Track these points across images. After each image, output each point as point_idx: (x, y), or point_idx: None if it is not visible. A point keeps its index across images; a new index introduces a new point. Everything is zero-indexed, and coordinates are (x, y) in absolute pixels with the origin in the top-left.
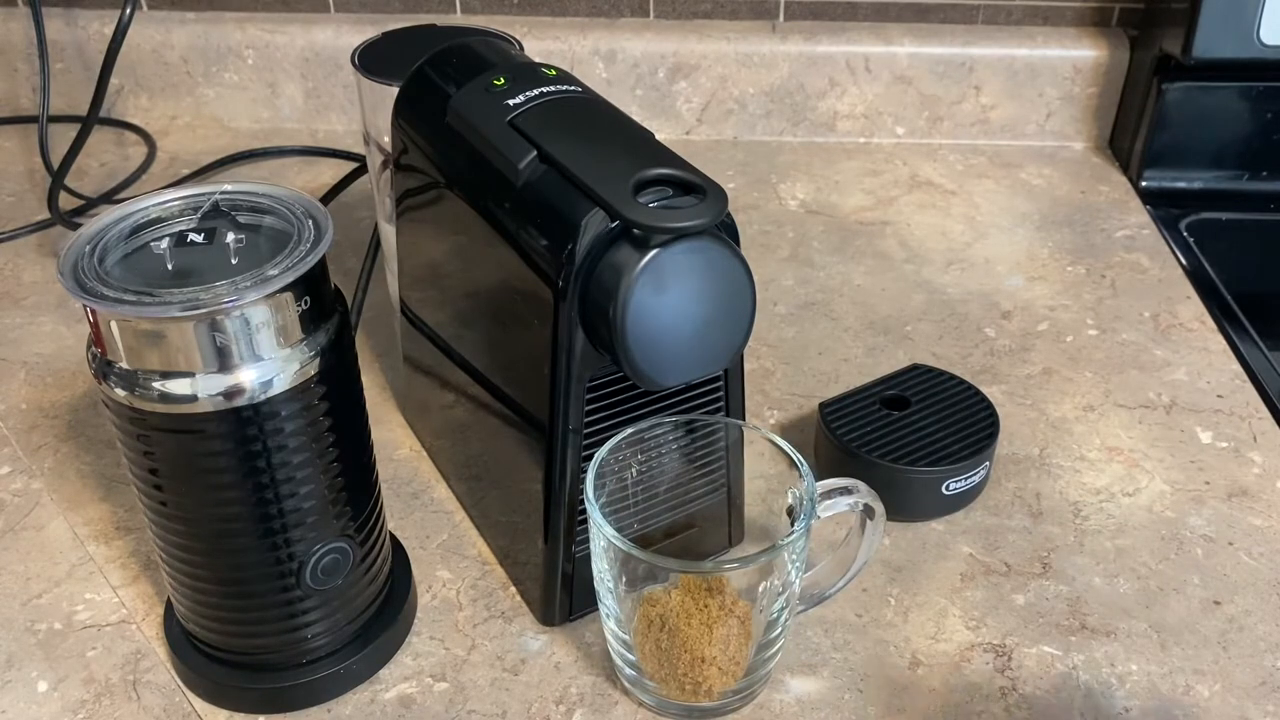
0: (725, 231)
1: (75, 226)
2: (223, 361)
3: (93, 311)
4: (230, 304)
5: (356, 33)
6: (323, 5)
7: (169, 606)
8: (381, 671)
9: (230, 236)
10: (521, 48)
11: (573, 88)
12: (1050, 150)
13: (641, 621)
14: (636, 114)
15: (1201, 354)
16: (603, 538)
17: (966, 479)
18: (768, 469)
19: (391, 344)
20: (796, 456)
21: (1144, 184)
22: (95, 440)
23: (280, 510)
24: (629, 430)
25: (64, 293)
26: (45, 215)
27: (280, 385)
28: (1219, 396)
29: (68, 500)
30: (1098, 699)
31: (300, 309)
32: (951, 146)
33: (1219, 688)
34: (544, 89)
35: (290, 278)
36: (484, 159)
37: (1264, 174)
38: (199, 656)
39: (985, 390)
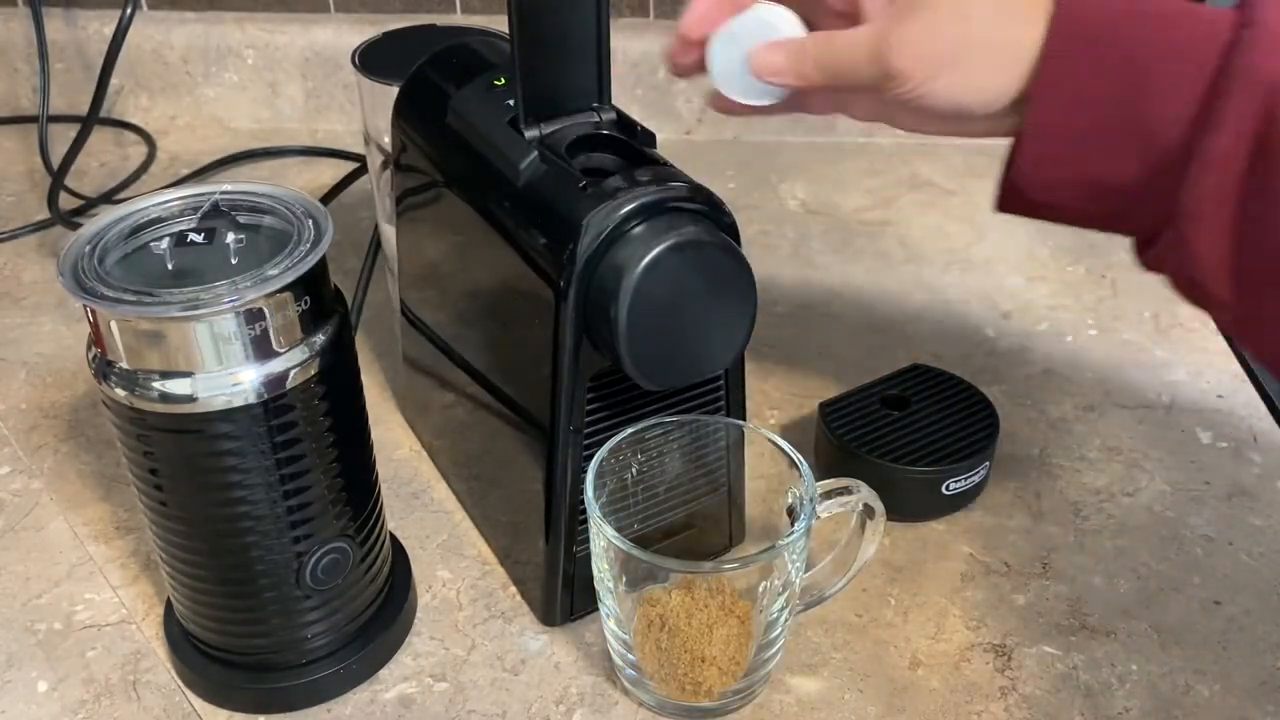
0: (726, 232)
1: (75, 226)
2: (222, 361)
3: (93, 311)
4: (230, 304)
5: (357, 33)
6: (323, 5)
7: (169, 606)
8: (381, 671)
9: (230, 236)
10: None
11: None
12: None
13: (641, 621)
14: (637, 114)
15: (1201, 354)
16: (603, 538)
17: (966, 479)
18: (768, 469)
19: (391, 344)
20: (796, 456)
21: None
22: (95, 440)
23: (280, 510)
24: (629, 430)
25: (64, 292)
26: (45, 215)
27: (280, 385)
28: (1219, 396)
29: (68, 500)
30: (1098, 699)
31: (300, 309)
32: (952, 146)
33: (1219, 688)
34: None
35: (290, 278)
36: (485, 159)
37: None
38: (199, 656)
39: (985, 390)
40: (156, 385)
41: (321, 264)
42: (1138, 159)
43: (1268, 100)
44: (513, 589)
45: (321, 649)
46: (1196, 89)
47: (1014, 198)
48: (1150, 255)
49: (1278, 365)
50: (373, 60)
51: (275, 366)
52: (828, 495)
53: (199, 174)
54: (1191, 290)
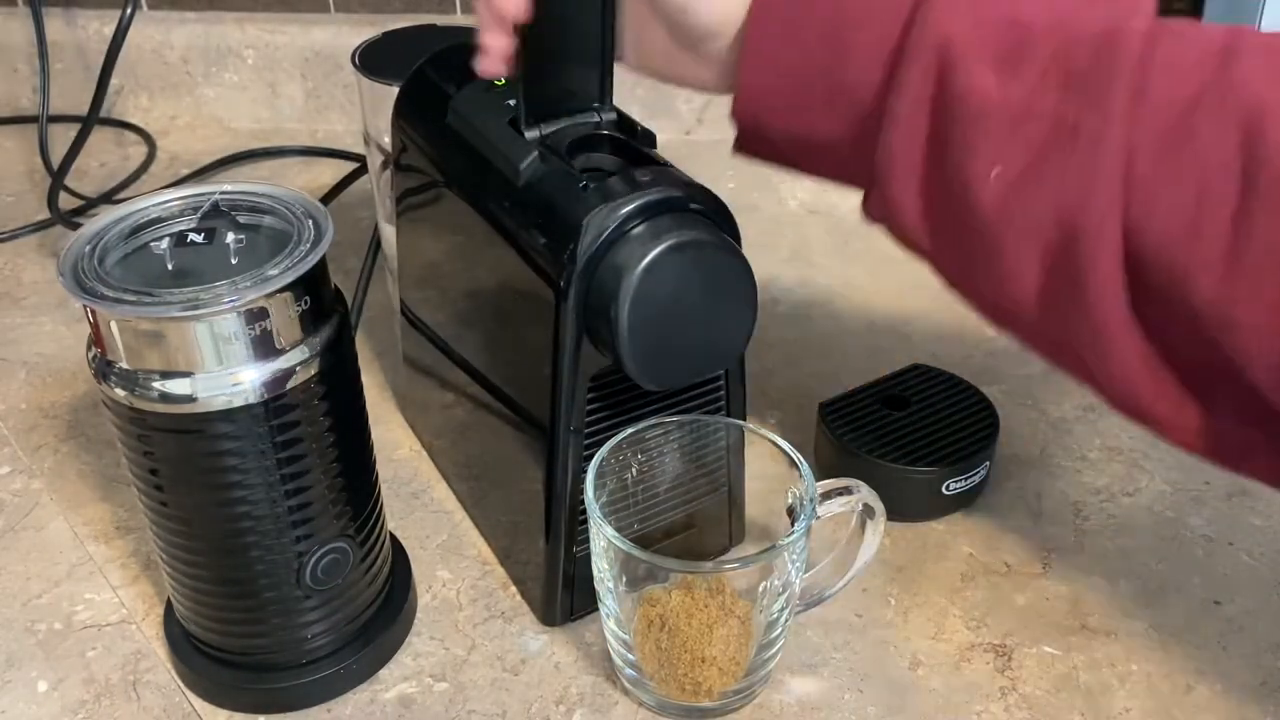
0: (726, 232)
1: (75, 226)
2: (222, 361)
3: (93, 311)
4: (230, 304)
5: (356, 33)
6: (323, 5)
7: (169, 606)
8: (381, 671)
9: (230, 236)
10: None
11: None
12: None
13: (642, 621)
14: (637, 114)
15: None
16: (603, 538)
17: (966, 479)
18: (768, 469)
19: (391, 344)
20: (796, 456)
21: None
22: (95, 440)
23: (280, 510)
24: (629, 430)
25: (64, 293)
26: (45, 215)
27: (280, 385)
28: None
29: (68, 500)
30: (1098, 699)
31: (300, 309)
32: None
33: (1219, 688)
34: None
35: (290, 278)
36: (485, 159)
37: None
38: (199, 656)
39: (985, 390)
40: (156, 385)
41: (321, 264)
42: (840, 118)
43: (939, 64)
44: (513, 589)
45: (321, 649)
46: (883, 55)
47: (741, 143)
48: (867, 207)
49: (983, 313)
50: (373, 60)
51: (275, 366)
52: (828, 495)
53: (199, 174)
54: (902, 239)
